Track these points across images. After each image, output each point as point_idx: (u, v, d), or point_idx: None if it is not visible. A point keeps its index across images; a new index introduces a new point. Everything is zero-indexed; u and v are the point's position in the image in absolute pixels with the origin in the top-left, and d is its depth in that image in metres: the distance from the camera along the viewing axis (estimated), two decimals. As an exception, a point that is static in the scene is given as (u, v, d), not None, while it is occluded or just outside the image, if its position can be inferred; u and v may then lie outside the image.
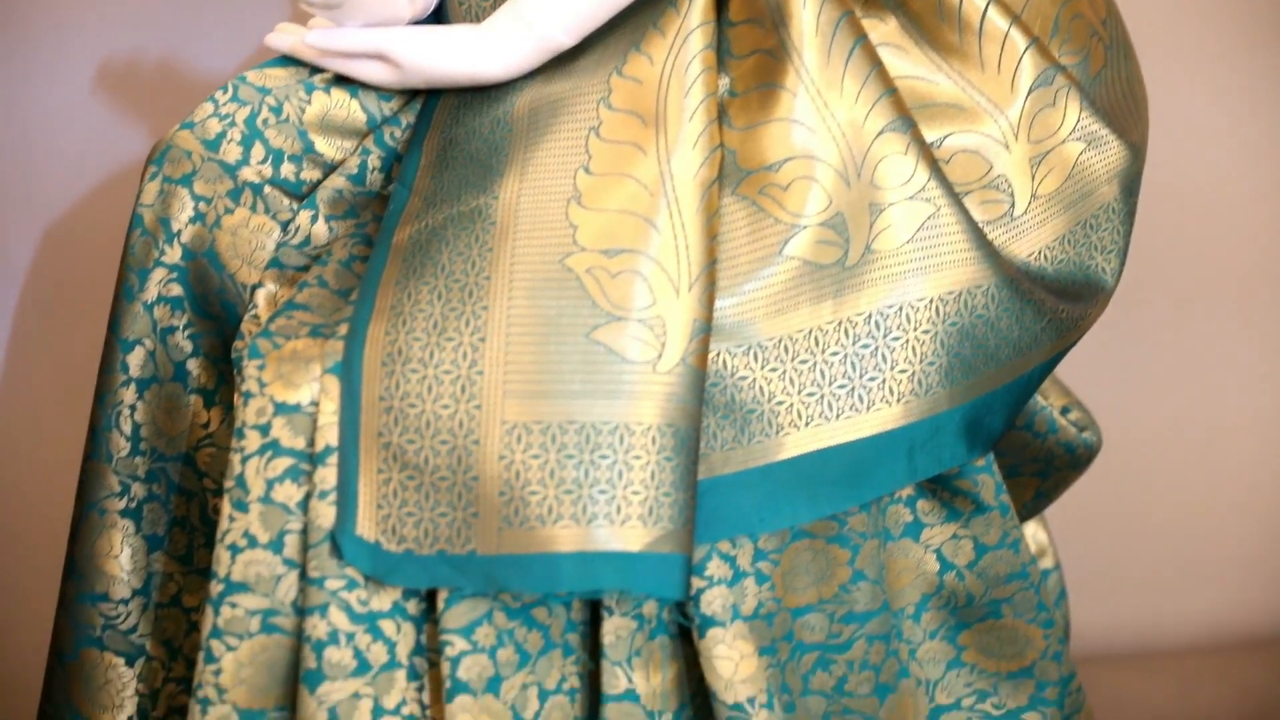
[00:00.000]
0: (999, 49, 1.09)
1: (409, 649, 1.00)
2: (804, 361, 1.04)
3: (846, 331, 1.04)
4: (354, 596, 0.98)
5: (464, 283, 1.00)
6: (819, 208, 1.03)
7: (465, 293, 0.99)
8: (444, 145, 1.08)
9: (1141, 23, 1.33)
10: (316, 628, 0.97)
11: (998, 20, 1.09)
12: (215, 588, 0.98)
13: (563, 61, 1.08)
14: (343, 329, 1.00)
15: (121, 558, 1.11)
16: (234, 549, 0.98)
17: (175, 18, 1.50)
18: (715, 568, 1.04)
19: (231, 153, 1.11)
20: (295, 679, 0.99)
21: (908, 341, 1.04)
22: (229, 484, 0.98)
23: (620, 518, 0.96)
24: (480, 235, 1.01)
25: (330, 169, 1.13)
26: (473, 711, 0.99)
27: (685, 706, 1.05)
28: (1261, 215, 1.73)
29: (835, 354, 1.04)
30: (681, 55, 1.04)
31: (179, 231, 1.09)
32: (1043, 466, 1.25)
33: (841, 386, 1.04)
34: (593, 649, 1.04)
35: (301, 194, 1.12)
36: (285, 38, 1.13)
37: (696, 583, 1.03)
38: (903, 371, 1.04)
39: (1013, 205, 1.09)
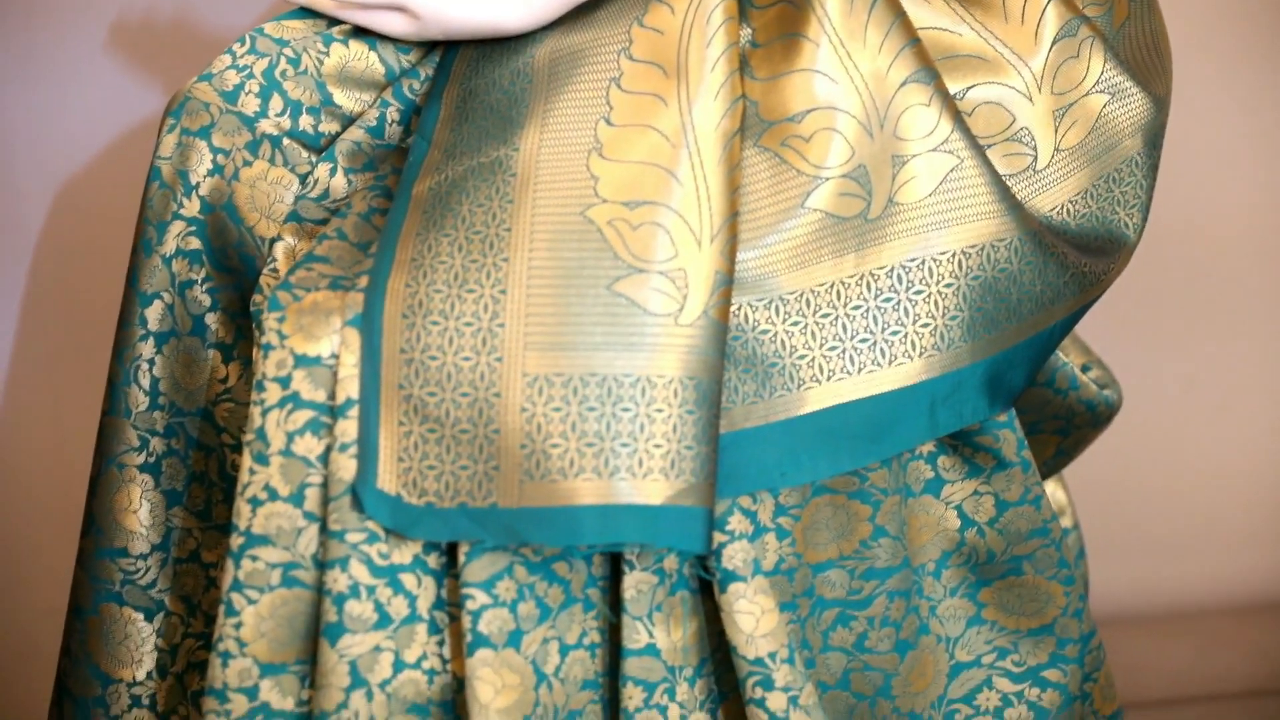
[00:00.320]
0: (1022, 0, 1.08)
1: (429, 603, 0.99)
2: (825, 315, 1.03)
3: (868, 285, 1.03)
4: (375, 550, 0.97)
5: (484, 234, 0.99)
6: (841, 159, 1.02)
7: (486, 244, 0.99)
8: (463, 97, 1.07)
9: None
10: (337, 581, 0.97)
11: (1021, -29, 1.08)
12: (236, 541, 0.98)
13: (583, 12, 1.08)
14: (363, 281, 0.99)
15: (140, 513, 1.11)
16: (254, 502, 0.97)
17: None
18: (736, 522, 1.03)
19: (249, 105, 1.10)
20: (316, 632, 0.99)
21: (930, 295, 1.04)
22: (249, 437, 0.98)
23: (642, 471, 0.96)
24: (500, 187, 1.01)
25: (349, 121, 1.13)
26: (494, 665, 0.98)
27: (706, 661, 1.05)
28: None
29: (857, 308, 1.03)
30: (703, 5, 1.03)
31: (197, 184, 1.09)
32: (1063, 424, 1.25)
33: (863, 340, 1.04)
34: (613, 604, 1.04)
35: (320, 147, 1.12)
36: (303, -10, 1.12)
37: (718, 537, 1.02)
38: (924, 326, 1.04)
39: (1035, 158, 1.09)
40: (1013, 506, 1.12)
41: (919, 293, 1.04)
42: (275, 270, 1.07)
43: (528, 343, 0.97)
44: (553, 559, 1.00)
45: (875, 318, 1.04)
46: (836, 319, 1.03)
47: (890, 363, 1.04)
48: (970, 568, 1.13)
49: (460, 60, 1.10)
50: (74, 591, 1.13)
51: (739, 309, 1.02)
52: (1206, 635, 1.72)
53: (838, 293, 1.03)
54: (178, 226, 1.09)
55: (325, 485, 0.97)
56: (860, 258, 1.03)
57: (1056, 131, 1.09)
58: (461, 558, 0.98)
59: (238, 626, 0.98)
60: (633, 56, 1.03)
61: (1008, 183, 1.08)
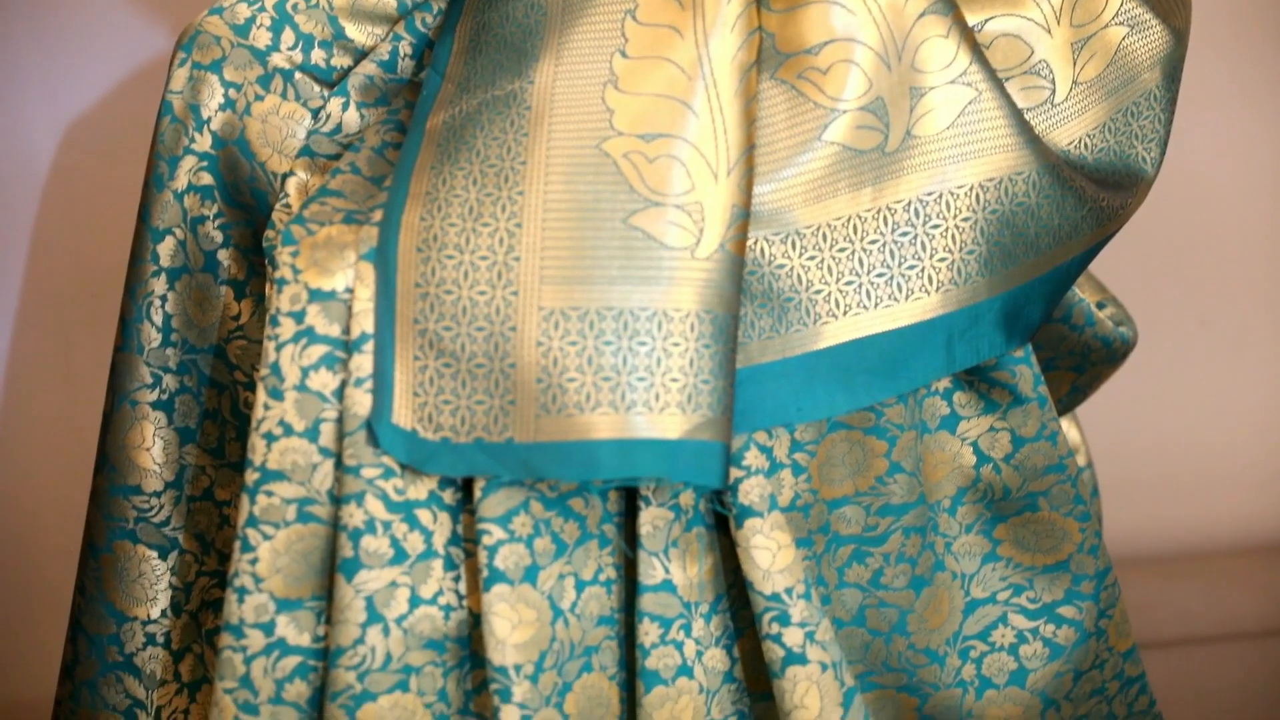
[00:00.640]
0: (1041, -69, 1.07)
1: (445, 538, 0.99)
2: (842, 249, 1.02)
3: (885, 219, 1.03)
4: (390, 485, 0.97)
5: (499, 168, 0.98)
6: (858, 91, 1.02)
7: (501, 178, 0.98)
8: (477, 30, 1.06)
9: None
10: (353, 516, 0.96)
11: (1040, -99, 1.07)
12: (251, 476, 0.97)
13: (597, -56, 1.07)
14: (377, 215, 0.98)
15: (154, 450, 1.10)
16: (269, 437, 0.97)
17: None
18: (752, 458, 1.03)
19: (261, 38, 1.09)
20: (332, 568, 0.99)
21: (947, 229, 1.03)
22: (263, 372, 0.97)
23: (659, 405, 0.95)
24: (515, 120, 1.00)
25: (361, 55, 1.12)
26: (510, 600, 0.98)
27: (722, 597, 1.05)
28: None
29: (874, 242, 1.03)
30: (719, -65, 1.02)
31: (209, 119, 1.08)
32: (1079, 360, 1.24)
33: (880, 275, 1.03)
34: (629, 539, 1.03)
35: (332, 81, 1.11)
36: (313, -77, 1.11)
37: (734, 472, 1.02)
38: (942, 260, 1.03)
39: (1054, 91, 1.08)
40: (1029, 442, 1.11)
41: (936, 227, 1.03)
42: (288, 205, 1.06)
43: (543, 276, 0.96)
44: (569, 494, 1.00)
45: (892, 252, 1.03)
46: (853, 253, 1.03)
47: (907, 297, 1.03)
48: (986, 504, 1.13)
49: (473, -8, 1.09)
50: (88, 529, 1.13)
51: (755, 243, 1.01)
52: (1218, 575, 1.72)
53: (854, 227, 1.02)
54: (189, 161, 1.08)
55: (340, 420, 0.97)
56: (877, 191, 1.02)
57: (1075, 64, 1.08)
58: (477, 493, 0.98)
59: (254, 562, 0.98)
60: (648, -12, 1.02)
61: (1026, 116, 1.07)
